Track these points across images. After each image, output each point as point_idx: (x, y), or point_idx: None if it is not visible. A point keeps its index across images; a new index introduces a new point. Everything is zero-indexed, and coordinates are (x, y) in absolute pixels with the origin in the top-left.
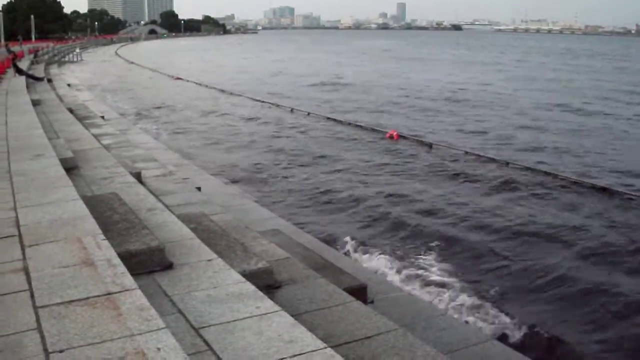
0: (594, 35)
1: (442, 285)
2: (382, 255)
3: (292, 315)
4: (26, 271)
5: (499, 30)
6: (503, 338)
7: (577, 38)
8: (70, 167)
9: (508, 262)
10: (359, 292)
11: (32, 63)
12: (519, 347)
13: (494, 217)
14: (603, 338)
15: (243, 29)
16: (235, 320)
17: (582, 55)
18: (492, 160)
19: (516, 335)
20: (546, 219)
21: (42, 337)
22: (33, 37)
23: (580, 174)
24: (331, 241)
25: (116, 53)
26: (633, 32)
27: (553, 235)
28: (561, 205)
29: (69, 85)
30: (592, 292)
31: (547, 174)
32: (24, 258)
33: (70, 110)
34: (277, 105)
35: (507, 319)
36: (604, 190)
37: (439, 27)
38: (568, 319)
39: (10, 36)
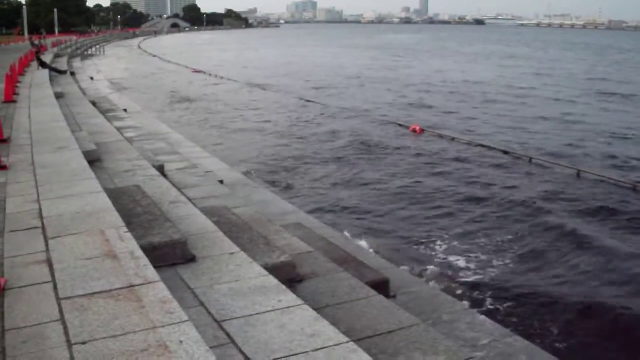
0: (617, 30)
1: (466, 279)
2: (404, 248)
3: (314, 309)
4: (49, 263)
5: (522, 24)
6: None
7: (600, 33)
8: (93, 160)
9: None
10: (381, 286)
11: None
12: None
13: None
14: None
15: (265, 22)
16: (257, 314)
17: None
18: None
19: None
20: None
21: (65, 329)
22: (56, 30)
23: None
24: (354, 234)
25: (139, 46)
26: None
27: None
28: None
29: (91, 78)
30: None
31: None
32: (47, 250)
33: (93, 103)
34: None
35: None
36: None
37: (462, 21)
38: None
39: (34, 29)
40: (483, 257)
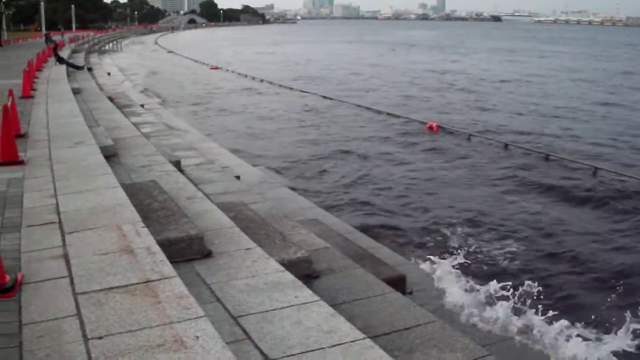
0: (636, 27)
1: (483, 275)
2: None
3: (331, 305)
4: (66, 258)
5: (539, 21)
6: None
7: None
8: (110, 155)
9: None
10: (398, 283)
11: (52, 45)
12: None
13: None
14: None
15: (282, 18)
16: (274, 310)
17: None
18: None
19: None
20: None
21: (82, 324)
22: (74, 26)
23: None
24: (371, 230)
25: (156, 42)
26: None
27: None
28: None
29: (109, 74)
30: None
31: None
32: (64, 245)
33: (110, 99)
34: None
35: None
36: None
37: (479, 17)
38: None
39: (51, 25)
40: (502, 254)
